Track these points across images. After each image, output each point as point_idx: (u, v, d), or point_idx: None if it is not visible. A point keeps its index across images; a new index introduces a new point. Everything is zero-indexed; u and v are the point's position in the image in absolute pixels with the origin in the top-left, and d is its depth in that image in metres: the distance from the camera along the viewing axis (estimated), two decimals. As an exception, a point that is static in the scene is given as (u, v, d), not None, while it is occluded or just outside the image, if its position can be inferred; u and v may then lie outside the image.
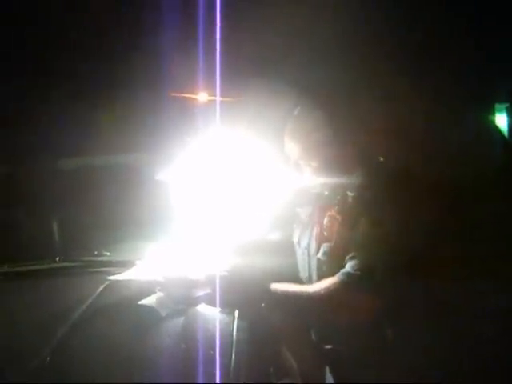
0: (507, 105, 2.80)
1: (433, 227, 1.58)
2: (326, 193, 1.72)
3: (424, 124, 2.17)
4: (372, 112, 1.79)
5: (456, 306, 1.66)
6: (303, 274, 1.75)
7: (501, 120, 2.78)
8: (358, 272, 1.53)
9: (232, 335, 1.43)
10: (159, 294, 1.63)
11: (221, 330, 1.46)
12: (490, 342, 1.62)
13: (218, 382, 1.28)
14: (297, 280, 1.73)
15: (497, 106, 2.77)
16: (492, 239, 1.92)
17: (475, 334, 1.64)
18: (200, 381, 1.28)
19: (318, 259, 1.67)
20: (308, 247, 1.74)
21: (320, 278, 1.63)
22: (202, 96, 2.77)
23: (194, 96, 2.80)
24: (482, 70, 2.41)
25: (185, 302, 1.62)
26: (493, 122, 2.63)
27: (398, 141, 2.00)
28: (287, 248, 1.81)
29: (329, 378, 1.64)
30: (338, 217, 1.65)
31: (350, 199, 1.63)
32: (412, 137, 2.07)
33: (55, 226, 2.25)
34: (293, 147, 1.72)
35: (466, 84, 2.31)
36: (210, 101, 2.60)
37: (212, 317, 1.55)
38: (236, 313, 1.53)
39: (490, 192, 2.05)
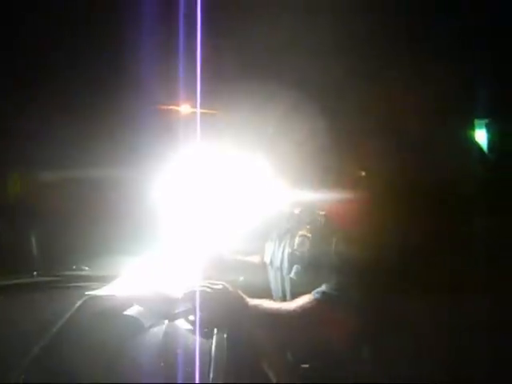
0: (486, 120, 2.83)
1: (411, 241, 1.58)
2: (297, 212, 1.72)
3: (403, 139, 2.19)
4: (347, 129, 1.80)
5: (440, 319, 1.67)
6: (276, 294, 1.75)
7: (480, 135, 2.81)
8: (333, 291, 1.54)
9: (210, 352, 1.41)
10: (138, 309, 1.61)
11: (199, 346, 1.45)
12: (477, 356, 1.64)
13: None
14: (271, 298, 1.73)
15: (476, 121, 2.80)
16: (472, 251, 1.94)
17: (462, 347, 1.66)
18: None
19: (291, 279, 1.68)
20: (280, 267, 1.74)
21: (294, 298, 1.63)
22: (184, 108, 2.77)
23: (176, 108, 2.80)
24: (461, 85, 2.44)
25: (163, 318, 1.60)
26: (472, 138, 2.66)
27: (375, 156, 2.01)
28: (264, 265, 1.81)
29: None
30: (309, 236, 1.65)
31: (321, 218, 1.64)
32: (390, 153, 2.09)
33: (33, 240, 2.22)
34: (265, 165, 1.72)
35: (446, 99, 2.33)
36: (192, 113, 2.60)
37: (190, 333, 1.54)
38: (215, 329, 1.53)
39: (468, 207, 2.07)
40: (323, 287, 1.55)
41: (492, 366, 1.69)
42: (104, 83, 2.71)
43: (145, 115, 2.60)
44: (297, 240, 1.68)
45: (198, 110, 2.06)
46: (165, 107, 2.83)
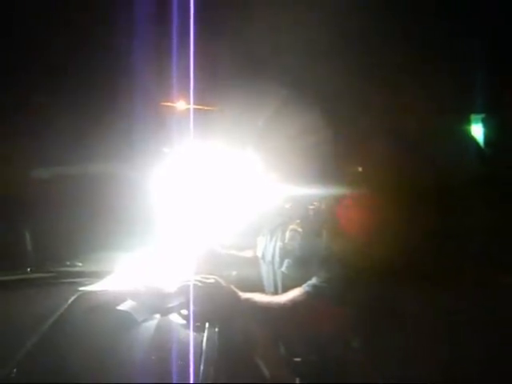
0: (483, 115, 2.83)
1: (402, 235, 1.58)
2: (288, 206, 1.72)
3: (400, 134, 2.19)
4: (342, 124, 1.80)
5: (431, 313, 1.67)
6: (268, 288, 1.75)
7: (477, 130, 2.81)
8: (324, 284, 1.54)
9: (202, 346, 1.41)
10: (131, 303, 1.62)
11: (190, 340, 1.45)
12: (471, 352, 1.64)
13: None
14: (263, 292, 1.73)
15: (473, 116, 2.80)
16: (467, 246, 1.94)
17: (454, 342, 1.65)
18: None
19: (283, 273, 1.68)
20: (272, 261, 1.74)
21: (285, 291, 1.63)
22: (180, 104, 2.77)
23: (172, 104, 2.80)
24: (458, 80, 2.44)
25: (156, 312, 1.61)
26: (469, 133, 2.66)
27: (371, 151, 2.01)
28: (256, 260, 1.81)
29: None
30: (300, 230, 1.65)
31: (311, 212, 1.64)
32: (387, 148, 2.09)
33: (27, 236, 2.22)
34: (256, 157, 1.72)
35: (442, 95, 2.33)
36: (188, 109, 2.60)
37: (183, 327, 1.54)
38: (207, 323, 1.53)
39: (465, 201, 2.07)
40: (313, 280, 1.55)
41: (486, 362, 1.69)
42: (99, 80, 2.71)
43: (140, 111, 2.60)
44: (288, 234, 1.68)
45: (192, 106, 2.06)
46: (160, 104, 2.84)
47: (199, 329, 1.50)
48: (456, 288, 1.77)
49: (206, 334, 1.48)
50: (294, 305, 1.55)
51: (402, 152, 2.12)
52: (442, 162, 2.18)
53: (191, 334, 1.49)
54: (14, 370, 1.30)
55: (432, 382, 1.60)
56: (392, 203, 1.65)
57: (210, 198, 1.97)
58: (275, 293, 1.72)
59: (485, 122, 2.81)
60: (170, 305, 1.63)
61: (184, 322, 1.56)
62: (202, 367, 1.31)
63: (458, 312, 1.75)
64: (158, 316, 1.59)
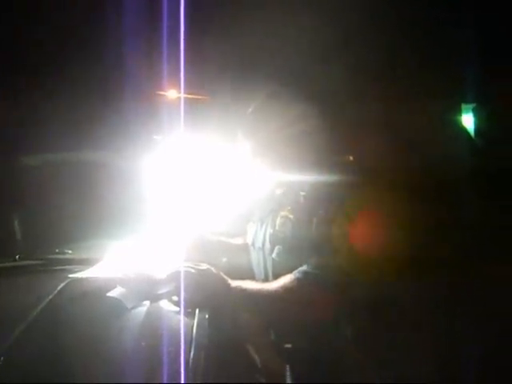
0: (474, 105, 2.83)
1: (394, 223, 1.58)
2: (279, 192, 1.72)
3: (391, 124, 2.19)
4: (333, 112, 1.80)
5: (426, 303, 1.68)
6: (259, 276, 1.75)
7: (467, 120, 2.81)
8: (315, 270, 1.53)
9: (192, 333, 1.41)
10: (120, 290, 1.61)
11: (181, 326, 1.44)
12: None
13: (181, 381, 1.26)
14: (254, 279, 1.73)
15: (463, 106, 2.80)
16: (460, 237, 1.94)
17: (450, 333, 1.66)
18: (159, 379, 1.26)
19: (273, 260, 1.67)
20: (262, 248, 1.74)
21: (276, 278, 1.63)
22: (171, 93, 2.76)
23: (162, 93, 2.79)
24: (448, 70, 2.44)
25: (147, 299, 1.60)
26: (459, 122, 2.67)
27: (364, 141, 2.01)
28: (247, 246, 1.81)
29: (289, 377, 1.64)
30: (290, 216, 1.65)
31: (302, 199, 1.63)
32: (377, 136, 2.09)
33: (16, 224, 2.21)
34: (246, 144, 1.71)
35: (433, 84, 2.33)
36: (178, 98, 2.59)
37: (173, 314, 1.54)
38: (197, 310, 1.52)
39: (455, 192, 2.07)
40: (304, 267, 1.55)
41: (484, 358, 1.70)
42: (90, 68, 2.69)
43: (131, 100, 2.59)
44: (278, 221, 1.68)
45: (183, 95, 2.05)
46: (152, 92, 2.82)
47: (189, 315, 1.50)
48: (450, 280, 1.78)
49: (196, 321, 1.47)
50: (284, 291, 1.54)
51: (392, 142, 2.13)
52: (432, 152, 2.18)
53: (182, 321, 1.48)
54: (1, 357, 1.29)
55: (429, 375, 1.61)
56: (383, 192, 1.65)
57: (201, 185, 1.97)
58: (266, 280, 1.72)
59: (475, 112, 2.82)
60: (160, 291, 1.62)
61: (174, 308, 1.55)
62: (192, 354, 1.31)
63: (454, 305, 1.76)
64: (147, 303, 1.59)
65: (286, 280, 1.56)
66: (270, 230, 1.71)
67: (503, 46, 2.45)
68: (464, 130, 2.68)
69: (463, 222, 2.01)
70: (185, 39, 1.97)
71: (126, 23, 2.52)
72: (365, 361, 1.58)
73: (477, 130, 2.79)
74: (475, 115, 2.81)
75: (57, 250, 2.02)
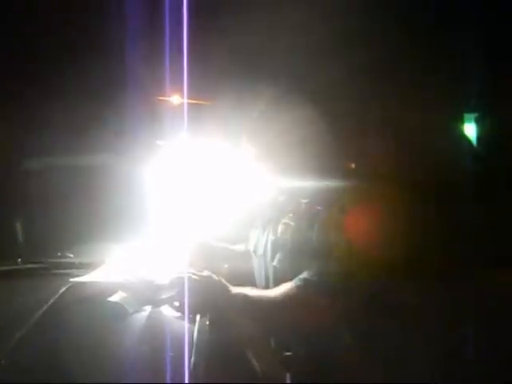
0: (476, 114, 2.84)
1: (396, 230, 1.58)
2: (280, 199, 1.72)
3: (394, 133, 2.20)
4: (338, 118, 1.80)
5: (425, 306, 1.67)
6: (260, 282, 1.74)
7: (469, 129, 2.82)
8: (315, 278, 1.53)
9: (193, 338, 1.41)
10: (122, 295, 1.61)
11: (182, 332, 1.45)
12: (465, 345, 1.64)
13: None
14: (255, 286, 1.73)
15: (465, 115, 2.81)
16: (461, 242, 1.95)
17: (450, 337, 1.66)
18: (160, 382, 1.26)
19: (275, 267, 1.67)
20: (264, 255, 1.73)
21: (276, 285, 1.62)
22: (175, 98, 2.77)
23: (166, 98, 2.79)
24: (451, 79, 2.44)
25: (148, 304, 1.60)
26: (462, 132, 2.67)
27: (367, 147, 2.02)
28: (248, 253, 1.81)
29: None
30: (292, 223, 1.64)
31: (303, 205, 1.63)
32: (381, 145, 2.09)
33: (18, 227, 2.21)
34: (249, 149, 1.72)
35: (435, 94, 2.33)
36: (181, 103, 2.59)
37: (174, 319, 1.54)
38: (198, 316, 1.52)
39: (458, 200, 2.08)
40: (304, 274, 1.54)
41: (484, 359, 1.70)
42: (94, 72, 2.70)
43: (134, 104, 2.59)
44: (280, 228, 1.68)
45: (186, 101, 2.06)
46: (155, 97, 2.83)
47: (190, 321, 1.50)
48: (451, 283, 1.78)
49: (197, 327, 1.48)
50: (284, 299, 1.54)
51: (396, 150, 2.13)
52: (434, 159, 2.19)
53: (186, 326, 1.48)
54: (2, 361, 1.29)
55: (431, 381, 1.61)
56: (385, 199, 1.65)
57: (203, 191, 1.97)
58: (266, 287, 1.71)
59: (478, 121, 2.83)
60: (162, 297, 1.62)
61: (175, 314, 1.56)
62: (193, 359, 1.31)
63: (454, 307, 1.75)
64: (149, 308, 1.59)
65: (286, 287, 1.56)
66: (271, 237, 1.71)
67: (507, 55, 2.45)
68: (466, 139, 2.68)
69: (465, 227, 2.02)
70: (188, 44, 1.98)
71: (129, 28, 2.53)
72: (366, 367, 1.57)
73: (479, 139, 2.80)
74: (477, 124, 2.81)
75: (59, 254, 2.03)
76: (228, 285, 1.60)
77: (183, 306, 1.53)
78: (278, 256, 1.66)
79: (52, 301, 1.59)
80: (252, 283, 1.76)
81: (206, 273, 1.60)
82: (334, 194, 1.60)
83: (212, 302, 1.56)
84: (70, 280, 1.72)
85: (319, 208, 1.60)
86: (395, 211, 1.60)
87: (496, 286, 1.88)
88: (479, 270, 1.88)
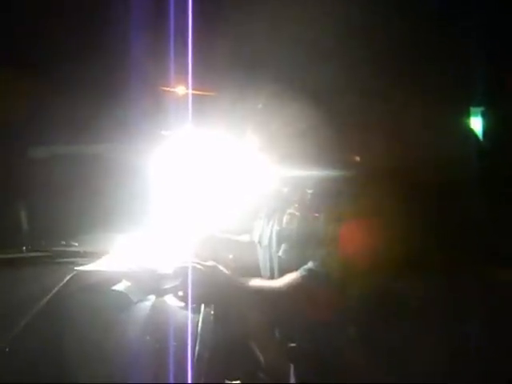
0: (482, 108, 2.83)
1: (401, 222, 1.58)
2: (286, 189, 1.71)
3: (398, 126, 2.18)
4: (342, 111, 1.79)
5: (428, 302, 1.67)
6: (265, 273, 1.74)
7: (476, 123, 2.81)
8: (320, 269, 1.52)
9: (197, 327, 1.41)
10: (126, 284, 1.61)
11: (186, 322, 1.45)
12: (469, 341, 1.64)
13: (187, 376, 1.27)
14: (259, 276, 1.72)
15: (472, 109, 2.80)
16: (466, 238, 1.94)
17: (452, 333, 1.65)
18: (163, 373, 1.26)
19: (280, 258, 1.66)
20: (269, 246, 1.73)
21: (281, 276, 1.61)
22: (179, 89, 2.76)
23: (170, 89, 2.79)
24: (456, 73, 2.43)
25: (152, 293, 1.61)
26: (468, 126, 2.66)
27: (371, 141, 2.01)
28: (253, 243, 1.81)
29: (293, 376, 1.64)
30: (297, 214, 1.64)
31: (308, 196, 1.62)
32: (386, 138, 2.08)
33: (23, 215, 2.21)
34: (254, 139, 1.71)
35: (441, 87, 2.32)
36: (185, 94, 2.59)
37: (178, 308, 1.54)
38: (202, 305, 1.52)
39: (464, 196, 2.07)
40: (309, 264, 1.54)
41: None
42: (99, 62, 2.69)
43: (139, 94, 2.59)
44: (285, 218, 1.67)
45: (190, 91, 2.05)
46: (160, 88, 2.83)
47: (195, 311, 1.50)
48: (455, 280, 1.77)
49: (201, 317, 1.48)
50: (289, 289, 1.54)
51: (398, 143, 2.12)
52: (440, 155, 2.18)
53: (189, 316, 1.49)
54: (7, 348, 1.30)
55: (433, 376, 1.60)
56: (389, 191, 1.64)
57: (208, 181, 1.97)
58: (271, 277, 1.71)
59: (484, 116, 2.81)
60: (166, 286, 1.62)
61: (179, 303, 1.56)
62: (197, 349, 1.31)
63: (457, 305, 1.75)
64: (153, 297, 1.59)
65: (291, 277, 1.56)
66: (276, 228, 1.70)
67: (513, 48, 2.44)
68: (472, 133, 2.67)
69: (471, 224, 2.01)
70: (193, 35, 1.97)
71: (134, 18, 2.53)
72: (370, 360, 1.57)
73: (485, 133, 2.78)
74: (484, 118, 2.80)
75: (63, 243, 2.03)
76: (233, 275, 1.60)
77: (187, 295, 1.53)
78: (283, 246, 1.65)
79: (56, 289, 1.60)
80: (257, 274, 1.76)
81: (210, 263, 1.60)
82: (340, 184, 1.59)
83: (216, 293, 1.56)
84: (75, 269, 1.72)
85: (324, 198, 1.59)
86: (399, 205, 1.59)
87: (499, 284, 1.87)
88: (482, 267, 1.88)
